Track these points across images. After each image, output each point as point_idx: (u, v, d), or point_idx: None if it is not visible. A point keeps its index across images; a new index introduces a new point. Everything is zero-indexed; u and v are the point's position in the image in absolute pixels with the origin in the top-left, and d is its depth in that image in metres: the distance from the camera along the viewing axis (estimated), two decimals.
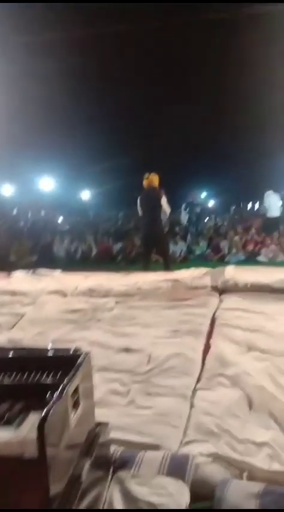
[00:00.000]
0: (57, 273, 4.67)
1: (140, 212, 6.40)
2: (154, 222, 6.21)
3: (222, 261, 8.73)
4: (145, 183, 6.29)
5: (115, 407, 1.50)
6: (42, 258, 9.87)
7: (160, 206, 6.12)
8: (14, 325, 2.69)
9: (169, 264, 6.27)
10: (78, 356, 1.04)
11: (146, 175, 6.27)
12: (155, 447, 1.26)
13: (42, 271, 4.69)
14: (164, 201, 6.16)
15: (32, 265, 8.01)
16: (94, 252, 10.19)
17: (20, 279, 4.16)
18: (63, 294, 3.34)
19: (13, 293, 3.43)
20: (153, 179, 6.25)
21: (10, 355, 1.15)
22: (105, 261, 9.62)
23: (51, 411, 0.79)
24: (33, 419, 0.85)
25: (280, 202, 10.44)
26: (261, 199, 11.11)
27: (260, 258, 8.94)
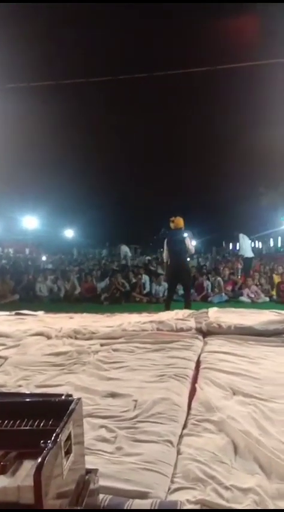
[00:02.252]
0: (41, 314, 4.65)
1: (166, 252, 6.80)
2: (180, 261, 6.72)
3: (205, 301, 8.84)
4: (171, 225, 6.89)
5: (102, 455, 1.49)
6: (25, 297, 9.79)
7: (185, 246, 6.54)
8: None
9: (190, 302, 6.56)
10: (70, 402, 1.07)
11: (172, 218, 6.74)
12: (143, 495, 1.26)
13: (25, 312, 4.67)
14: (188, 241, 6.71)
15: (14, 305, 7.94)
16: (77, 290, 10.16)
17: (3, 320, 4.13)
18: (47, 336, 3.34)
19: None
20: (178, 221, 6.75)
21: (0, 401, 1.16)
22: (89, 300, 9.58)
23: (47, 459, 0.81)
24: (28, 466, 0.87)
25: (251, 244, 11.27)
26: (237, 240, 11.87)
27: (243, 299, 9.08)
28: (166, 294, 9.35)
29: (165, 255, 7.01)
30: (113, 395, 2.01)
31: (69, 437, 0.96)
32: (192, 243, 6.89)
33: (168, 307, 6.19)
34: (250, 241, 11.43)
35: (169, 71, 8.46)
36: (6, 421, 1.05)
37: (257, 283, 9.56)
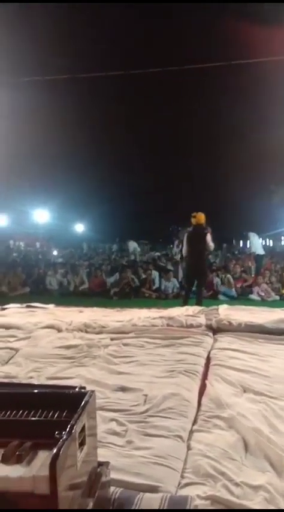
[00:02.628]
0: (51, 307, 4.69)
1: (186, 247, 6.87)
2: (199, 257, 6.82)
3: (215, 298, 8.81)
4: (193, 220, 6.92)
5: (112, 448, 1.50)
6: (35, 290, 9.87)
7: (205, 242, 6.48)
8: (9, 360, 2.68)
9: (201, 298, 6.59)
10: (84, 394, 1.08)
11: (193, 213, 6.77)
12: (153, 489, 1.27)
13: (36, 304, 4.71)
14: (208, 237, 6.63)
15: (24, 297, 8.01)
16: (85, 285, 10.20)
17: (14, 312, 4.17)
18: (58, 328, 3.36)
19: (7, 327, 3.44)
20: (200, 217, 6.76)
21: (15, 391, 1.18)
22: (98, 295, 9.63)
23: (62, 449, 0.82)
24: (43, 457, 0.88)
25: (261, 242, 11.30)
26: (247, 239, 11.90)
27: (253, 296, 9.03)
28: (175, 290, 9.40)
29: (184, 249, 7.03)
30: (123, 389, 2.02)
31: (83, 429, 0.97)
32: (212, 239, 6.88)
33: (186, 303, 6.23)
34: (260, 239, 11.46)
35: (182, 65, 8.39)
36: (21, 411, 1.06)
37: (268, 282, 9.49)
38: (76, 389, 1.12)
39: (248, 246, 11.62)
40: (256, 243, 10.95)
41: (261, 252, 10.98)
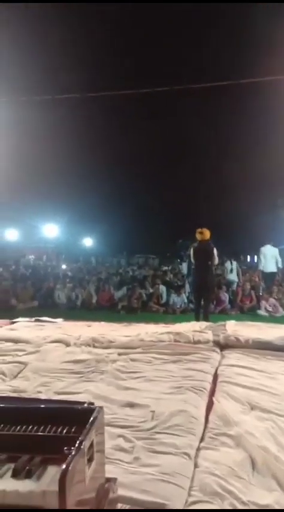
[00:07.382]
0: (60, 321, 4.72)
1: (193, 262, 7.10)
2: (206, 272, 6.89)
3: (223, 313, 8.76)
4: (198, 236, 7.00)
5: (120, 464, 1.51)
6: (44, 303, 9.92)
7: (212, 257, 6.77)
8: (17, 374, 2.70)
9: (208, 314, 6.63)
10: (93, 410, 1.10)
11: (199, 229, 6.86)
12: (160, 506, 1.27)
13: (45, 318, 4.75)
14: (215, 252, 6.86)
15: (33, 311, 8.06)
16: (94, 299, 10.23)
17: (23, 327, 4.21)
18: (66, 343, 3.38)
19: (16, 341, 3.47)
20: (205, 233, 6.83)
21: (25, 406, 1.20)
22: (106, 309, 9.65)
23: (71, 465, 0.84)
24: (52, 472, 0.90)
25: (277, 257, 9.92)
26: (258, 252, 10.56)
27: (261, 312, 8.96)
28: (183, 305, 9.39)
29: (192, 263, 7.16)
30: (131, 405, 2.03)
31: (91, 445, 0.99)
32: (216, 253, 6.96)
33: (197, 318, 6.25)
34: (276, 250, 10.04)
35: (189, 83, 8.56)
36: (30, 426, 1.08)
37: (276, 297, 9.41)
38: (85, 405, 1.14)
39: (259, 259, 10.19)
40: (268, 257, 9.57)
41: (273, 269, 9.59)
